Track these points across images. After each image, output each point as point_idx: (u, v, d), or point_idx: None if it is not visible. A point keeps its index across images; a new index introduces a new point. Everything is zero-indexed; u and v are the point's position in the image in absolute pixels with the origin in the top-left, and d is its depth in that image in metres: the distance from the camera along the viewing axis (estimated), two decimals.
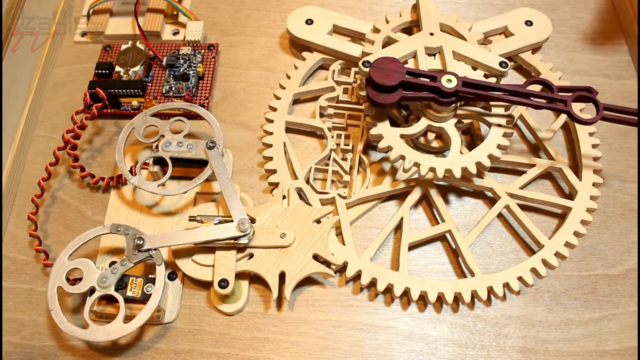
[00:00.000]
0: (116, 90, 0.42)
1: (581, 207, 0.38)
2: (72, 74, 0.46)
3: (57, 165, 0.39)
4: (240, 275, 0.36)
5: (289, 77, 0.43)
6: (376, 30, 0.42)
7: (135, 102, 0.43)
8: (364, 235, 0.39)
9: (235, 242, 0.34)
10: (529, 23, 0.45)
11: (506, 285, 0.36)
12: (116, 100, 0.43)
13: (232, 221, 0.34)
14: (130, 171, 0.37)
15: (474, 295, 0.35)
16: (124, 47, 0.45)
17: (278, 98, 0.42)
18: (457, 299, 0.36)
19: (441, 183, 0.40)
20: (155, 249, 0.33)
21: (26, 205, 0.39)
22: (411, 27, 0.43)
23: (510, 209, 0.38)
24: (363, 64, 0.37)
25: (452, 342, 0.35)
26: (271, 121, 0.41)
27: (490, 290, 0.35)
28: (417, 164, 0.36)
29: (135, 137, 0.38)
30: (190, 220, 0.35)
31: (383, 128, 0.37)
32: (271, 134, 0.41)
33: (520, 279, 0.36)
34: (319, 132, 0.42)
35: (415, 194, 0.39)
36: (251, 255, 0.35)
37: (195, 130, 0.43)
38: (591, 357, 0.35)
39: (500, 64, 0.38)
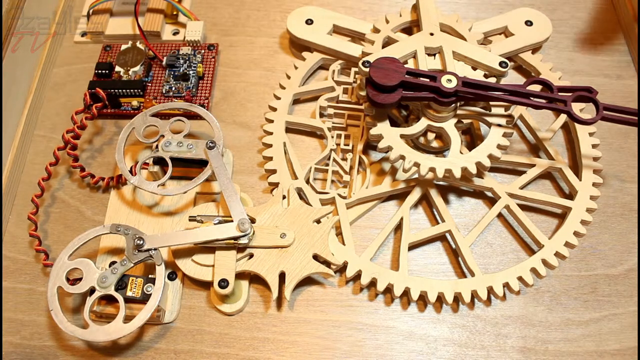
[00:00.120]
0: (116, 90, 0.42)
1: (581, 207, 0.38)
2: (72, 74, 0.46)
3: (57, 165, 0.39)
4: (240, 275, 0.36)
5: (289, 77, 0.43)
6: (376, 30, 0.42)
7: (135, 102, 0.43)
8: (364, 235, 0.39)
9: (235, 242, 0.34)
10: (529, 23, 0.45)
11: (506, 285, 0.36)
12: (116, 100, 0.43)
13: (232, 221, 0.34)
14: (130, 171, 0.37)
15: (474, 295, 0.35)
16: (124, 47, 0.45)
17: (278, 98, 0.42)
18: (457, 299, 0.36)
19: (441, 183, 0.40)
20: (155, 249, 0.33)
21: (26, 205, 0.39)
22: (411, 27, 0.43)
23: (510, 209, 0.38)
24: (363, 64, 0.37)
25: (452, 342, 0.35)
26: (271, 121, 0.41)
27: (490, 290, 0.35)
28: (417, 164, 0.36)
29: (135, 137, 0.38)
30: (190, 220, 0.35)
31: (383, 128, 0.37)
32: (271, 134, 0.41)
33: (520, 279, 0.36)
34: (319, 132, 0.42)
35: (415, 194, 0.39)
36: (251, 255, 0.35)
37: (195, 130, 0.43)
38: (591, 357, 0.35)
39: (500, 64, 0.38)
